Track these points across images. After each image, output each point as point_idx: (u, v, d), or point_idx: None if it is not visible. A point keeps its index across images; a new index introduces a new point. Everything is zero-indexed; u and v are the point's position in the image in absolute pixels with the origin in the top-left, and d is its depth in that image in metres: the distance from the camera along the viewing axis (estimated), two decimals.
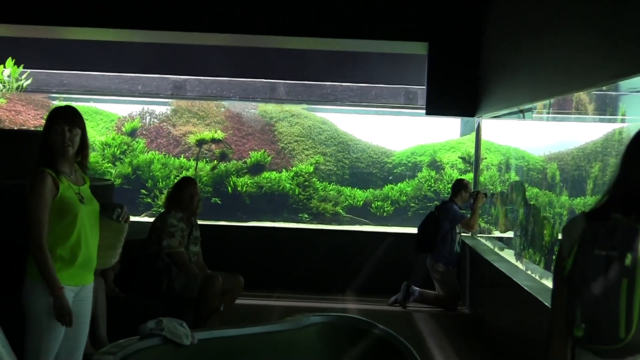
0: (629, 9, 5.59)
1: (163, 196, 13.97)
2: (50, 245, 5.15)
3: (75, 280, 5.25)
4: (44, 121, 5.54)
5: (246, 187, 16.19)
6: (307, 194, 16.33)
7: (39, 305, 5.14)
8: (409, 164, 16.90)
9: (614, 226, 3.07)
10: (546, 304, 6.57)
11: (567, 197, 9.97)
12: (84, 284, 5.35)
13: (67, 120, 5.25)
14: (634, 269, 2.92)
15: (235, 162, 16.58)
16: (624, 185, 3.24)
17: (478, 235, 12.09)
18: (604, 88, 7.43)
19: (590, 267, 3.05)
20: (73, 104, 15.02)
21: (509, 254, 10.31)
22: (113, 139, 16.64)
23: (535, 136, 11.45)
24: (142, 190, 16.13)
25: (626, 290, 2.93)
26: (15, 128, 15.65)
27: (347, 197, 16.34)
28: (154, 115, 17.40)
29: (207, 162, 16.54)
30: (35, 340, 5.17)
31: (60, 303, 5.10)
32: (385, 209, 16.20)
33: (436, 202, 13.59)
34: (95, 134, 16.66)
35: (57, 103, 16.79)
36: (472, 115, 12.34)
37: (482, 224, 12.49)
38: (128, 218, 5.61)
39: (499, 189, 14.17)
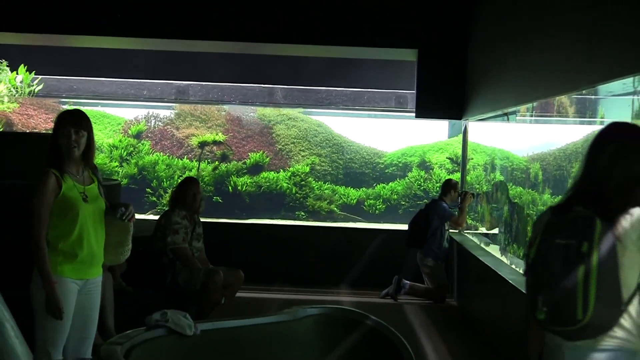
0: (607, 18, 5.60)
1: (167, 195, 14.00)
2: (53, 240, 5.21)
3: (79, 274, 5.27)
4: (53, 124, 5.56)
5: (246, 186, 16.22)
6: (304, 193, 16.34)
7: (40, 298, 5.18)
8: (400, 165, 16.91)
9: (574, 218, 3.17)
10: None
11: (549, 196, 10.00)
12: (88, 278, 5.37)
13: (73, 123, 5.29)
14: (590, 256, 3.01)
15: (236, 162, 16.60)
16: (585, 181, 3.34)
17: (465, 231, 12.09)
18: (583, 92, 7.43)
19: (551, 255, 3.16)
20: (82, 108, 15.03)
21: (494, 249, 10.32)
22: (120, 141, 16.67)
23: (518, 138, 11.45)
24: (148, 190, 16.15)
25: (583, 275, 3.02)
26: (27, 131, 15.63)
27: (341, 196, 16.36)
28: (158, 119, 17.41)
29: (208, 163, 16.55)
30: (41, 332, 5.22)
31: (51, 297, 5.14)
32: (378, 207, 16.22)
33: (426, 201, 13.60)
34: (103, 137, 16.68)
35: (66, 107, 16.75)
36: (459, 118, 12.34)
37: (469, 221, 12.48)
38: (133, 217, 5.62)
39: (485, 188, 14.18)
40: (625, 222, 3.11)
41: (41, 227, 5.17)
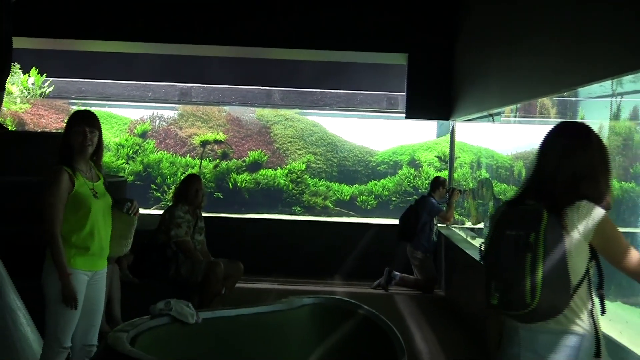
0: (586, 23, 5.62)
1: (171, 191, 13.98)
2: (65, 234, 5.18)
3: (89, 266, 5.27)
4: (64, 124, 5.54)
5: (245, 183, 16.21)
6: (300, 189, 16.34)
7: (54, 288, 5.14)
8: (391, 163, 16.91)
9: (524, 210, 3.28)
10: None
11: None
12: (97, 270, 5.37)
13: (87, 122, 5.29)
14: (537, 246, 3.11)
15: (235, 160, 16.60)
16: (536, 177, 3.41)
17: (452, 226, 12.10)
18: (564, 94, 7.45)
19: (502, 245, 3.26)
20: (90, 108, 14.98)
21: (479, 243, 10.33)
22: (126, 140, 16.67)
23: (503, 137, 11.47)
24: (152, 186, 16.14)
25: (530, 263, 3.11)
26: (38, 130, 15.62)
27: (335, 192, 16.35)
28: (162, 119, 17.40)
29: (210, 160, 16.54)
30: (52, 320, 5.18)
31: (67, 288, 5.13)
32: (370, 202, 16.22)
33: (415, 197, 13.61)
34: (110, 136, 16.67)
35: (76, 108, 16.78)
36: (447, 118, 12.35)
37: (456, 216, 12.49)
38: (138, 211, 5.63)
39: (471, 185, 14.19)
40: (572, 213, 3.21)
41: (57, 222, 5.15)
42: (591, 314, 3.25)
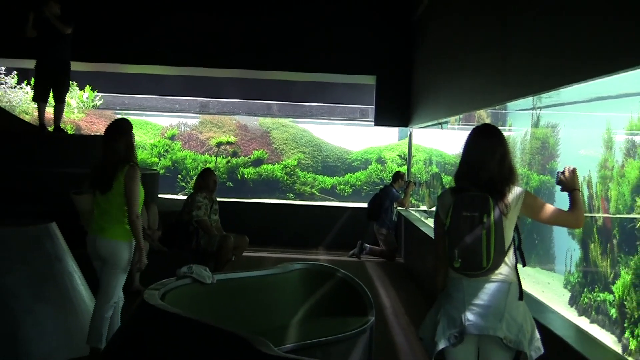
0: (513, 51, 5.61)
1: (192, 181, 13.94)
2: (125, 216, 5.07)
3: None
4: None
5: (250, 175, 16.19)
6: (292, 180, 16.32)
7: (123, 257, 5.03)
8: (363, 160, 16.90)
9: (473, 197, 3.39)
10: None
11: None
12: None
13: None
14: (488, 224, 3.29)
15: (243, 158, 16.55)
16: (465, 167, 3.54)
17: (410, 209, 12.11)
18: (497, 107, 7.45)
19: (461, 223, 3.37)
20: (131, 118, 15.04)
21: (430, 222, 10.33)
22: (159, 141, 16.61)
23: (449, 141, 11.47)
24: (179, 177, 16.11)
25: (485, 237, 3.29)
26: (91, 134, 15.56)
27: (320, 182, 16.34)
28: (186, 126, 17.33)
29: (223, 157, 16.49)
30: (116, 281, 5.06)
31: (142, 256, 5.09)
32: (346, 190, 16.22)
33: (381, 186, 13.58)
34: (147, 139, 16.62)
35: (120, 117, 16.75)
36: (406, 125, 12.37)
37: (413, 201, 12.50)
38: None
39: (425, 177, 14.20)
40: (509, 195, 3.40)
41: (137, 206, 5.04)
42: (515, 268, 3.45)
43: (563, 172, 3.52)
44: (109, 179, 5.04)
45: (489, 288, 3.38)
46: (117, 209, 5.05)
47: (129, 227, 5.05)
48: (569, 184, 3.50)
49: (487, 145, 3.49)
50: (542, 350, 3.44)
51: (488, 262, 3.29)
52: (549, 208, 3.47)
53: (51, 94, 9.94)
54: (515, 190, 3.42)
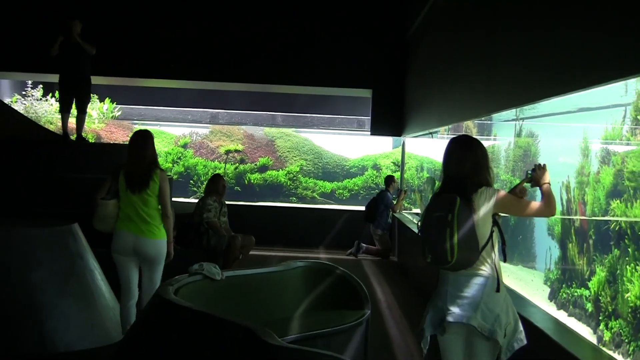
0: (498, 66, 5.63)
1: (203, 186, 13.95)
2: (160, 216, 5.27)
3: None
4: (128, 138, 5.53)
5: (256, 180, 16.22)
6: (295, 184, 16.34)
7: (165, 253, 5.25)
8: (360, 166, 16.92)
9: (443, 198, 3.47)
10: None
11: None
12: None
13: None
14: (452, 222, 3.32)
15: (250, 164, 16.58)
16: (446, 174, 3.62)
17: (404, 211, 12.12)
18: (483, 118, 7.47)
19: (431, 222, 3.46)
20: (148, 127, 15.05)
21: (417, 221, 10.31)
22: (172, 149, 16.63)
23: (439, 149, 11.49)
24: (191, 182, 16.12)
25: (449, 234, 3.32)
26: (111, 142, 15.59)
27: (320, 187, 16.36)
28: (198, 135, 17.36)
29: (232, 164, 16.51)
30: (160, 273, 5.27)
31: (172, 250, 5.33)
32: (345, 194, 16.24)
33: (376, 191, 13.59)
34: (162, 147, 16.62)
35: (137, 127, 16.81)
36: (399, 135, 12.39)
37: (406, 205, 12.49)
38: None
39: (417, 183, 14.21)
40: (476, 197, 3.44)
41: (170, 205, 5.26)
42: (493, 263, 3.47)
43: (534, 170, 3.57)
44: (145, 178, 5.19)
45: (469, 281, 3.45)
46: (154, 209, 5.21)
47: (163, 224, 5.24)
48: (538, 179, 3.56)
49: (458, 153, 3.59)
50: (525, 342, 3.47)
51: (452, 257, 3.33)
52: (523, 202, 3.53)
53: (74, 106, 9.99)
54: (487, 191, 3.47)
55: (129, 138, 5.48)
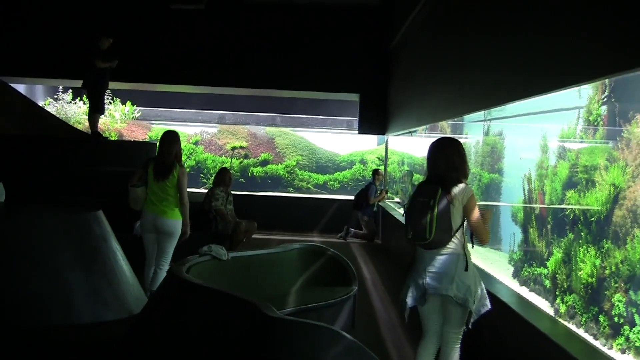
0: (470, 73, 5.62)
1: (212, 178, 13.93)
2: (177, 202, 5.59)
3: None
4: (147, 137, 5.63)
5: (258, 173, 16.22)
6: (292, 177, 16.34)
7: (179, 230, 5.59)
8: (348, 161, 16.92)
9: (428, 187, 3.58)
10: None
11: None
12: None
13: None
14: (433, 207, 3.46)
15: (252, 159, 16.56)
16: (429, 170, 3.70)
17: (387, 200, 12.13)
18: (455, 119, 7.47)
19: (415, 205, 3.58)
20: (163, 127, 15.02)
21: (402, 210, 10.34)
22: (185, 146, 16.56)
23: (418, 146, 11.47)
24: (202, 175, 16.09)
25: (429, 217, 3.46)
26: (131, 140, 15.55)
27: (314, 179, 16.36)
28: (208, 133, 17.29)
29: (237, 159, 16.48)
30: (173, 247, 5.63)
31: (188, 229, 5.68)
32: (336, 185, 16.25)
33: (363, 182, 13.59)
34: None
35: (154, 127, 16.80)
36: (383, 133, 12.39)
37: (390, 194, 12.48)
38: None
39: (398, 175, 14.21)
40: (455, 190, 3.54)
41: (186, 194, 5.57)
42: (463, 245, 3.57)
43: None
44: (168, 170, 5.53)
45: (442, 259, 3.54)
46: (173, 196, 5.55)
47: (180, 209, 5.58)
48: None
49: (439, 152, 3.68)
50: (489, 307, 3.63)
51: (430, 235, 3.46)
52: (476, 214, 3.57)
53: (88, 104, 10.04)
54: (465, 188, 3.56)
55: (147, 136, 5.56)
